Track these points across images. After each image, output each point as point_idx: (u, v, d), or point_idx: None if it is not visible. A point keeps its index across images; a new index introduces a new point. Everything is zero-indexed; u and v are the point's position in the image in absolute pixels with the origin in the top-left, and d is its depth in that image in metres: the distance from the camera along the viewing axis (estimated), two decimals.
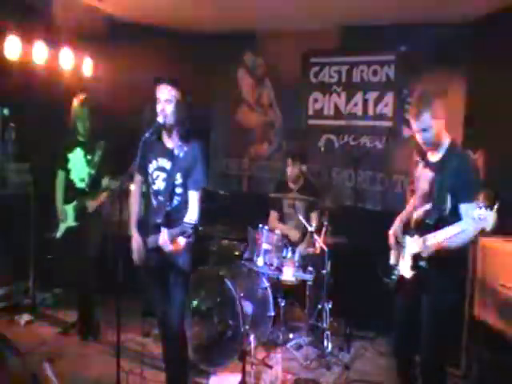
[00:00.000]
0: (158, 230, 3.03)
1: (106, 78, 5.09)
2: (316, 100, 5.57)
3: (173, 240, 2.95)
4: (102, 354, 4.05)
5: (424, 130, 2.82)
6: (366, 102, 5.29)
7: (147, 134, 3.13)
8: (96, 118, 4.23)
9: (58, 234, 4.29)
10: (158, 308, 3.34)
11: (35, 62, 4.62)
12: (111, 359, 3.47)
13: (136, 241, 3.22)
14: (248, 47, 5.90)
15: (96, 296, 4.34)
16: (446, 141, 2.88)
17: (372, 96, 5.25)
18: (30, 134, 4.82)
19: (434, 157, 2.93)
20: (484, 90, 4.44)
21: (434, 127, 2.80)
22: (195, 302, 4.04)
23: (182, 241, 2.98)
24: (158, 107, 3.09)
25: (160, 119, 3.07)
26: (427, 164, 2.97)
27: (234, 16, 5.12)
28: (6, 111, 4.67)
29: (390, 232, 3.19)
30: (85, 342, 4.27)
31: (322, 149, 5.52)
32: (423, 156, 3.01)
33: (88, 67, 5.11)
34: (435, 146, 2.88)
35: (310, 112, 5.61)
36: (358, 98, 5.33)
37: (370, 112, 5.26)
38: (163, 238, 2.93)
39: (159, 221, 3.08)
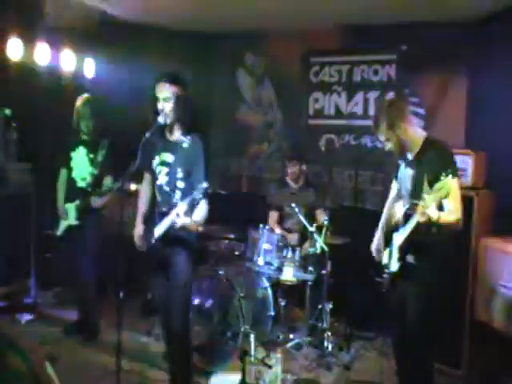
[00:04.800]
0: (163, 219, 3.08)
1: (108, 78, 5.10)
2: (316, 100, 5.57)
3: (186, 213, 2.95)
4: (103, 353, 4.05)
5: (386, 140, 2.98)
6: (366, 101, 5.29)
7: (147, 135, 3.17)
8: (99, 117, 4.24)
9: (59, 232, 4.31)
10: (161, 305, 3.35)
11: (37, 62, 4.63)
12: (111, 358, 3.47)
13: (139, 229, 3.28)
14: (248, 47, 5.90)
15: (96, 295, 4.34)
16: (420, 138, 2.96)
17: (373, 95, 5.24)
18: (32, 134, 4.83)
19: (412, 154, 3.01)
20: (485, 90, 4.43)
21: (393, 137, 2.93)
22: (195, 302, 4.04)
23: (197, 215, 3.03)
24: (159, 106, 3.11)
25: (160, 119, 3.09)
26: (407, 162, 3.05)
27: (235, 16, 5.12)
28: (7, 111, 4.68)
29: (373, 248, 3.28)
30: (85, 341, 4.27)
31: (323, 149, 5.52)
32: (404, 155, 3.07)
33: (89, 68, 5.11)
34: (404, 150, 2.99)
35: (311, 112, 5.62)
36: (359, 97, 5.33)
37: (371, 112, 5.25)
38: (176, 210, 2.93)
39: (165, 209, 3.13)
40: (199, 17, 5.19)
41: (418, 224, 2.76)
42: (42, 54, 4.64)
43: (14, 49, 4.42)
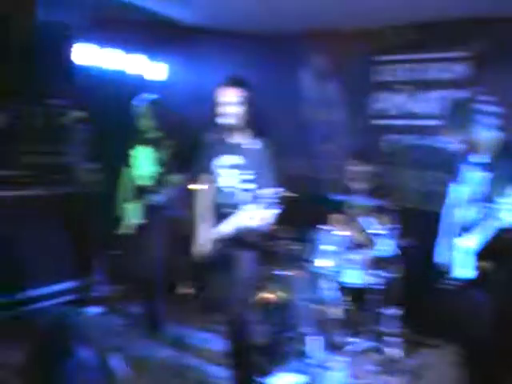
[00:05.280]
0: (226, 220, 3.12)
1: (178, 81, 5.23)
2: (381, 99, 5.44)
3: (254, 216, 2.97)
4: (165, 348, 4.14)
5: (456, 141, 2.88)
6: (432, 100, 5.10)
7: (211, 137, 3.24)
8: (164, 117, 4.35)
9: (123, 231, 4.43)
10: (224, 303, 3.39)
11: (109, 66, 4.83)
12: (174, 354, 3.56)
13: (204, 229, 3.28)
14: (311, 46, 5.85)
15: (161, 291, 4.44)
16: (494, 139, 2.83)
17: (442, 94, 5.05)
18: (102, 135, 5.03)
19: (485, 156, 2.86)
20: None
21: (463, 138, 2.84)
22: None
23: (265, 214, 3.01)
24: (223, 109, 3.15)
25: (225, 121, 3.14)
26: (479, 165, 2.90)
27: (298, 15, 5.09)
28: (80, 113, 4.89)
29: (443, 258, 3.11)
30: (149, 335, 4.38)
31: (387, 149, 5.38)
32: (474, 157, 2.92)
33: (160, 71, 5.26)
34: (475, 151, 2.87)
35: (374, 111, 5.49)
36: (425, 96, 5.15)
37: (437, 111, 5.06)
38: (246, 213, 2.95)
39: (228, 210, 3.17)
40: (261, 17, 5.20)
41: (497, 228, 2.64)
42: (114, 58, 4.82)
43: (87, 52, 4.63)
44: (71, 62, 4.59)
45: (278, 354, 3.93)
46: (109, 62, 4.80)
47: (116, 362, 3.36)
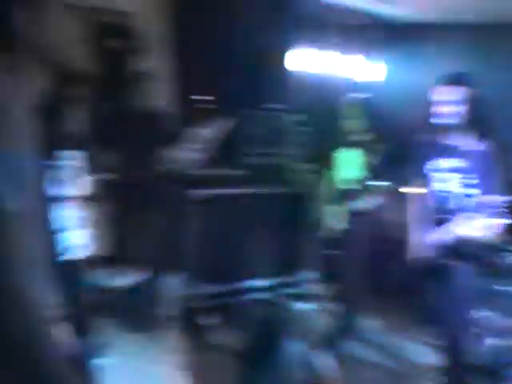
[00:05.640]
0: (442, 226, 2.96)
1: (393, 81, 5.13)
2: None
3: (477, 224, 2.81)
4: (374, 351, 4.12)
5: None
6: None
7: (425, 137, 3.09)
8: (375, 118, 4.26)
9: (326, 234, 4.45)
10: (439, 317, 3.22)
11: (325, 69, 4.95)
12: (382, 359, 3.47)
13: (419, 235, 3.15)
14: None
15: (361, 295, 4.38)
16: None
17: None
18: (313, 137, 5.17)
19: None
20: None
21: None
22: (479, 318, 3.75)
23: (490, 223, 2.80)
24: (441, 109, 2.99)
25: (442, 121, 2.98)
26: None
27: None
28: (297, 116, 5.11)
29: None
30: (346, 335, 4.34)
31: None
32: None
33: (376, 72, 5.21)
34: None
35: None
36: None
37: None
38: (470, 221, 2.80)
39: (445, 216, 3.00)
40: (481, 6, 4.75)
41: None
42: (334, 62, 4.92)
43: (303, 57, 4.80)
44: (289, 67, 4.82)
45: (496, 377, 3.57)
46: (325, 65, 4.92)
47: (322, 359, 3.43)
